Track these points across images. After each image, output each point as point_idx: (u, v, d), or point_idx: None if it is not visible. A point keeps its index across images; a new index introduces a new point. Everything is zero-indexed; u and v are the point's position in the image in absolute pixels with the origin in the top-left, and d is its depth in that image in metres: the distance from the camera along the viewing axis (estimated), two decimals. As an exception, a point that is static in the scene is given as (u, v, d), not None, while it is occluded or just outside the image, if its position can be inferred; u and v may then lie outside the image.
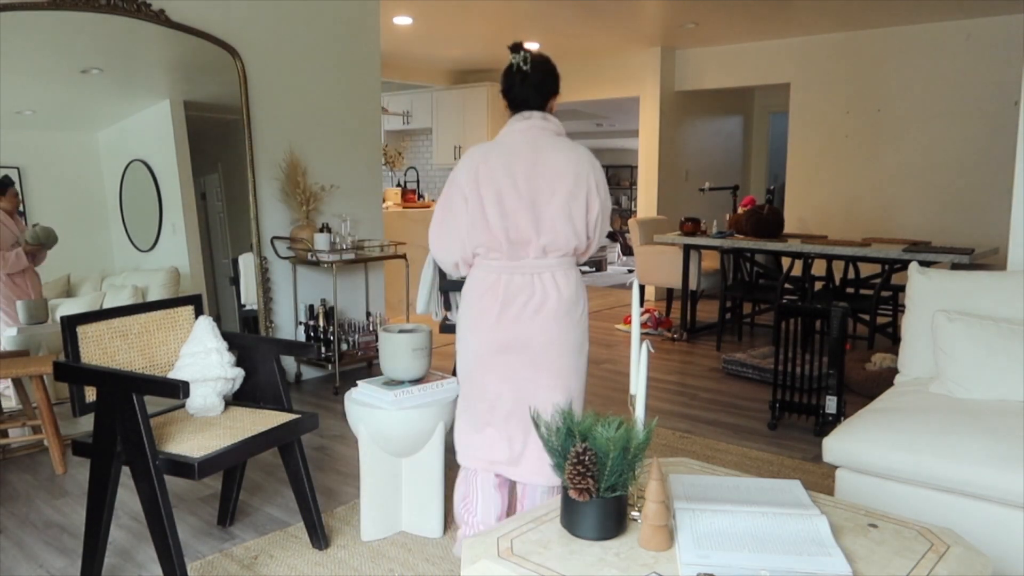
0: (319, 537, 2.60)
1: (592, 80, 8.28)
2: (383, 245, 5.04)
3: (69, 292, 3.75)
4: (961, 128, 6.27)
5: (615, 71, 8.08)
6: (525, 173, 2.26)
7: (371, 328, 4.93)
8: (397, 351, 2.55)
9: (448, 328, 4.35)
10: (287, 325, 4.70)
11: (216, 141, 4.42)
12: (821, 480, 3.15)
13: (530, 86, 2.33)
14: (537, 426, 1.74)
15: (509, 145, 2.31)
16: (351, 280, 5.07)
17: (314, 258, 4.49)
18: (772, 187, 6.97)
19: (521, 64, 2.31)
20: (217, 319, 2.99)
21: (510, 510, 2.59)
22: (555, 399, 2.32)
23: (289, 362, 4.77)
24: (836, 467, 2.42)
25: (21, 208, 3.60)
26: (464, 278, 2.44)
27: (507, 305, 2.32)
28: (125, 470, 2.26)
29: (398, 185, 9.37)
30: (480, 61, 8.52)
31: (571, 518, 1.66)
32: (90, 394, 2.35)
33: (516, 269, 2.32)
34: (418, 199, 8.43)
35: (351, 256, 4.58)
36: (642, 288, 7.62)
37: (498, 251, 2.31)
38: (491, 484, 2.49)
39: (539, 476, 2.37)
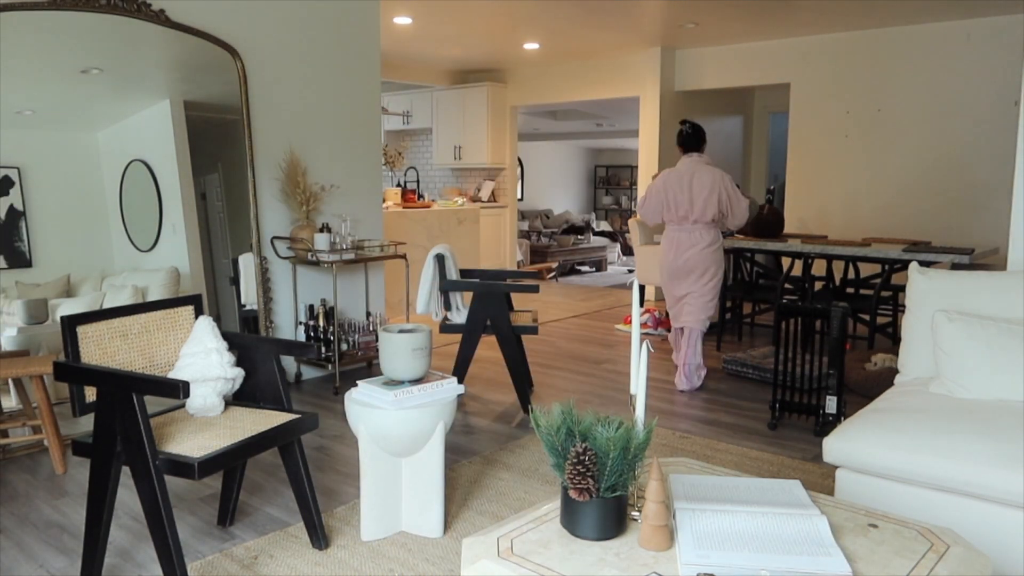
0: (319, 537, 2.60)
1: (592, 80, 8.28)
2: (383, 245, 5.04)
3: (69, 292, 3.76)
4: (961, 128, 6.27)
5: (615, 71, 8.08)
6: (688, 182, 4.40)
7: (371, 328, 4.93)
8: (397, 351, 2.55)
9: (448, 328, 4.34)
10: (287, 325, 4.70)
11: (216, 141, 4.42)
12: (821, 480, 3.15)
13: (691, 140, 4.52)
14: (537, 425, 1.74)
15: (680, 170, 4.48)
16: (351, 280, 5.07)
17: (314, 258, 4.49)
18: (772, 187, 6.96)
19: (687, 130, 4.52)
20: (217, 319, 2.99)
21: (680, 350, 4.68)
22: (700, 292, 4.50)
23: (289, 362, 4.77)
24: (836, 467, 2.42)
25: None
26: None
27: (678, 247, 4.50)
28: (125, 470, 2.26)
29: (398, 185, 9.36)
30: (480, 61, 8.52)
31: (571, 518, 1.66)
32: (90, 394, 2.35)
33: (681, 229, 4.49)
34: (418, 199, 8.38)
35: (351, 256, 4.58)
36: (642, 288, 7.62)
37: (672, 220, 4.51)
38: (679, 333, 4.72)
39: (693, 321, 4.54)
